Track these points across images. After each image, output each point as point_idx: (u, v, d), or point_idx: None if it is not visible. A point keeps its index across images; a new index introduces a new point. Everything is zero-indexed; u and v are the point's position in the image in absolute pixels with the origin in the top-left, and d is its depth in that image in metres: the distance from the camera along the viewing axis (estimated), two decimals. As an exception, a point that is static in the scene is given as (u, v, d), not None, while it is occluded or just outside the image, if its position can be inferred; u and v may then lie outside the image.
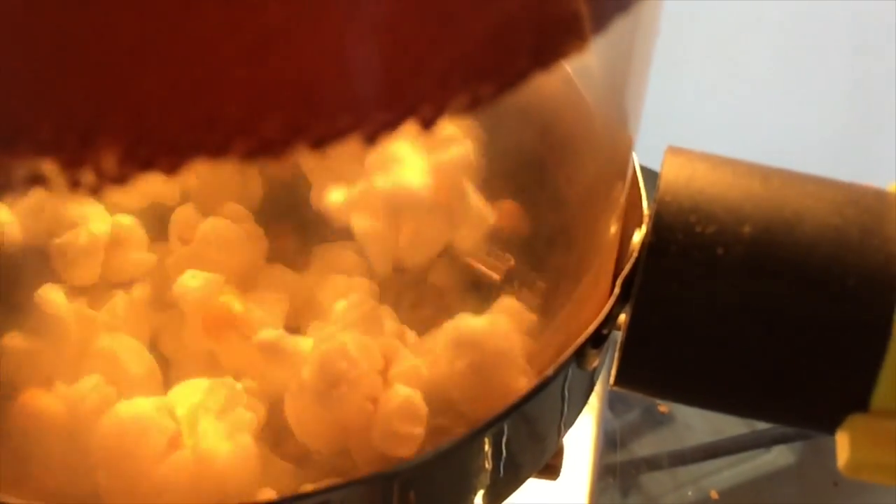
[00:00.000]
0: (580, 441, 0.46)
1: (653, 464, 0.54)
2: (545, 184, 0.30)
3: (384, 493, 0.25)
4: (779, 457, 0.55)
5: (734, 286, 0.23)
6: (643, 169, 0.29)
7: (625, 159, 0.26)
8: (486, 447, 0.26)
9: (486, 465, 0.27)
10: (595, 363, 0.28)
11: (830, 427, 0.24)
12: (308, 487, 0.26)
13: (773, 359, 0.24)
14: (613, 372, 0.27)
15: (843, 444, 0.24)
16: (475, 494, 0.28)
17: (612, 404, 0.56)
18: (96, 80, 0.13)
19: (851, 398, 0.24)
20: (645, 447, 0.55)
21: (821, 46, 0.70)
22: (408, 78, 0.15)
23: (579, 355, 0.26)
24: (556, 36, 0.17)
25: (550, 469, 0.32)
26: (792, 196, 0.24)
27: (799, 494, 0.53)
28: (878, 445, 0.23)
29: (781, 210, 0.23)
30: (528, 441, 0.29)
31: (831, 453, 0.52)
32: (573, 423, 0.31)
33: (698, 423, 0.56)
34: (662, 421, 0.56)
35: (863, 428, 0.24)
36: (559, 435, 0.31)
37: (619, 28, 0.18)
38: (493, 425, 0.25)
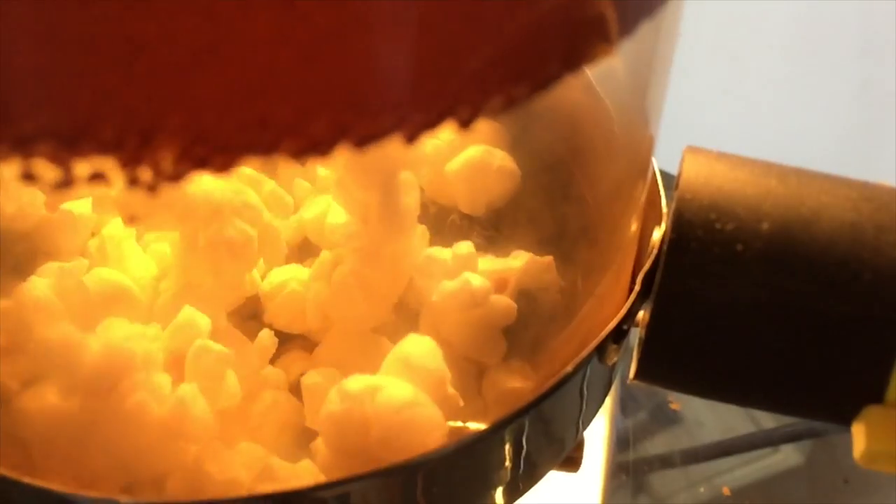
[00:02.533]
0: (593, 440, 0.47)
1: (665, 462, 0.54)
2: (572, 182, 0.31)
3: (405, 485, 0.25)
4: (790, 455, 0.55)
5: (753, 281, 0.24)
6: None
7: (646, 159, 0.27)
8: (507, 441, 0.27)
9: (507, 460, 0.28)
10: (615, 359, 0.29)
11: (846, 419, 0.25)
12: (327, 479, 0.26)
13: (790, 352, 0.25)
14: (633, 366, 0.27)
15: (858, 436, 0.24)
16: (494, 489, 0.29)
17: (623, 403, 0.57)
18: (158, 84, 0.14)
19: (867, 390, 0.24)
20: (658, 446, 0.55)
21: (828, 48, 0.71)
22: (446, 80, 0.16)
23: (600, 350, 0.27)
24: (586, 40, 0.18)
25: (571, 461, 0.32)
26: (809, 194, 0.24)
27: (810, 492, 0.54)
28: (893, 436, 0.24)
29: (799, 207, 0.24)
30: (547, 436, 0.29)
31: (842, 451, 0.52)
32: (591, 419, 0.31)
33: (709, 421, 0.56)
34: (674, 419, 0.57)
35: (878, 419, 0.24)
36: (578, 431, 0.31)
37: (643, 32, 0.19)
38: (514, 420, 0.26)
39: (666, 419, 0.56)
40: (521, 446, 0.28)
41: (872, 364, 0.24)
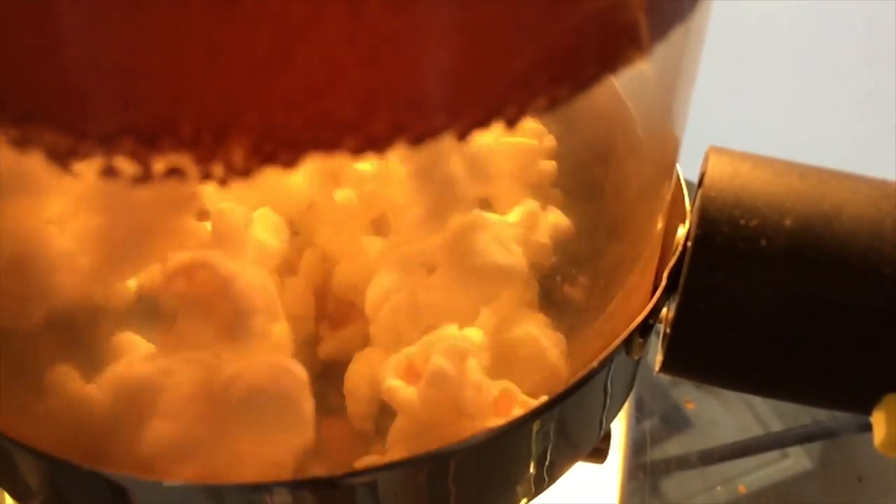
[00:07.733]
0: (611, 440, 0.47)
1: (682, 463, 0.55)
2: (606, 181, 0.32)
3: (430, 477, 0.26)
4: (803, 456, 0.56)
5: (777, 275, 0.25)
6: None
7: (672, 159, 0.28)
8: (535, 434, 0.28)
9: (533, 452, 0.28)
10: (640, 354, 0.30)
11: (867, 408, 0.26)
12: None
13: (813, 344, 0.26)
14: (659, 359, 0.28)
15: (879, 423, 0.25)
16: (521, 481, 0.29)
17: (638, 404, 0.57)
18: (234, 84, 0.15)
19: (887, 379, 0.25)
20: (673, 447, 0.56)
21: (834, 56, 0.72)
22: (495, 82, 0.17)
23: (628, 343, 0.28)
24: (622, 44, 0.19)
25: (598, 452, 0.33)
26: (829, 191, 0.25)
27: (824, 492, 0.54)
28: (913, 423, 0.25)
29: (820, 204, 0.25)
30: (574, 429, 0.30)
31: (855, 451, 0.52)
32: (616, 415, 0.32)
33: (723, 422, 0.57)
34: (689, 421, 0.57)
35: (898, 407, 0.25)
36: (601, 427, 0.32)
37: (674, 36, 0.20)
38: (542, 413, 0.27)
39: (680, 421, 0.57)
40: (549, 439, 0.28)
41: (892, 354, 0.25)
